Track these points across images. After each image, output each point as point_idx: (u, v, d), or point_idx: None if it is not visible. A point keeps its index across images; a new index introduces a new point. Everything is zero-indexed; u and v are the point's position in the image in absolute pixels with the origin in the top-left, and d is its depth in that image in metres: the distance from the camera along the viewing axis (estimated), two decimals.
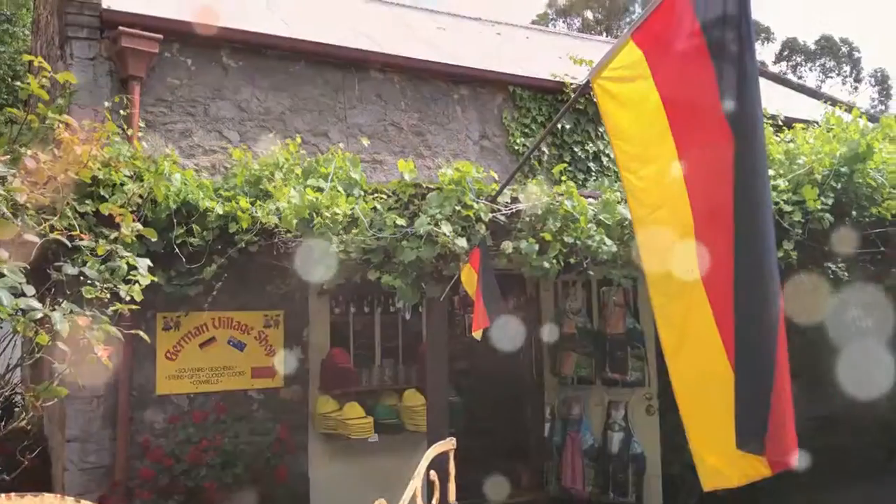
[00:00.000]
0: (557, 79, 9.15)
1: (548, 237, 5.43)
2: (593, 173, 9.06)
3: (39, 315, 2.89)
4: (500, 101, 9.02)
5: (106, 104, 6.39)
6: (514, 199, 5.61)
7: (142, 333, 3.80)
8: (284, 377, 7.11)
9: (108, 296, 3.44)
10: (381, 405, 7.25)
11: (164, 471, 6.21)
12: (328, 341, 7.35)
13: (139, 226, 3.88)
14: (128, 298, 3.57)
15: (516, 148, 8.89)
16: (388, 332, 7.79)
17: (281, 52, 7.82)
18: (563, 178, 6.52)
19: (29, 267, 3.15)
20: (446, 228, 5.08)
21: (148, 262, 3.65)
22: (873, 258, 6.86)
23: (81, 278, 3.42)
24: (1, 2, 16.64)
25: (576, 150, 9.05)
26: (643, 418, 7.72)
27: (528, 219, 5.52)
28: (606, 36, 26.99)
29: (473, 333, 5.08)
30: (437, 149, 8.53)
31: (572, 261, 5.65)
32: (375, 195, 5.76)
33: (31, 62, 5.19)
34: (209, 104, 7.42)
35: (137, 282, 3.58)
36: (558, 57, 11.06)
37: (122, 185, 5.71)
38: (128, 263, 3.54)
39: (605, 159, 9.17)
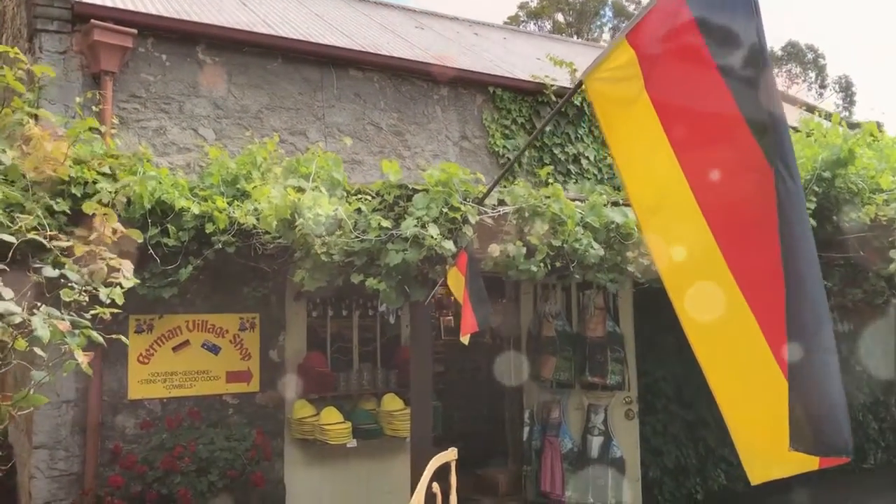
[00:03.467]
0: (538, 80, 9.09)
1: (535, 240, 5.35)
2: (573, 175, 9.01)
3: (18, 319, 2.74)
4: (480, 102, 8.93)
5: (77, 100, 6.18)
6: (501, 202, 5.53)
7: (122, 338, 3.64)
8: (260, 381, 6.94)
9: (87, 299, 3.28)
10: (360, 410, 7.11)
11: (136, 478, 6.02)
12: (305, 345, 7.20)
13: (120, 226, 3.72)
14: (108, 302, 3.42)
15: (496, 149, 8.81)
16: (367, 335, 7.65)
17: (258, 49, 7.65)
18: (550, 180, 6.44)
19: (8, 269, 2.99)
20: (433, 230, 4.97)
21: (131, 264, 3.49)
22: (851, 261, 6.90)
23: (62, 280, 3.26)
24: None
25: (556, 152, 8.99)
26: (622, 422, 7.71)
27: (515, 221, 5.43)
28: (577, 39, 27.11)
29: (462, 338, 4.97)
30: (417, 149, 8.41)
31: (558, 264, 5.58)
32: (359, 196, 5.62)
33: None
34: (184, 101, 7.22)
35: (119, 284, 3.43)
36: (536, 58, 11.04)
37: (94, 182, 5.52)
38: (108, 265, 3.40)
39: (584, 162, 9.13)
